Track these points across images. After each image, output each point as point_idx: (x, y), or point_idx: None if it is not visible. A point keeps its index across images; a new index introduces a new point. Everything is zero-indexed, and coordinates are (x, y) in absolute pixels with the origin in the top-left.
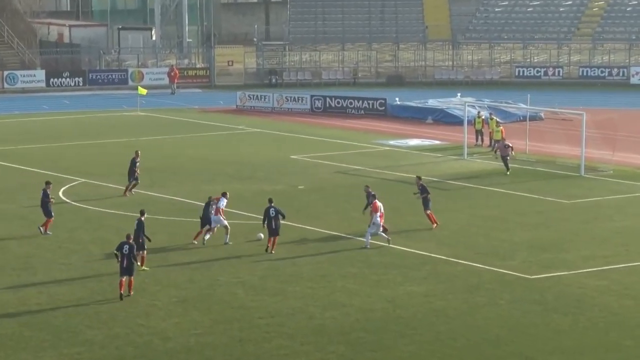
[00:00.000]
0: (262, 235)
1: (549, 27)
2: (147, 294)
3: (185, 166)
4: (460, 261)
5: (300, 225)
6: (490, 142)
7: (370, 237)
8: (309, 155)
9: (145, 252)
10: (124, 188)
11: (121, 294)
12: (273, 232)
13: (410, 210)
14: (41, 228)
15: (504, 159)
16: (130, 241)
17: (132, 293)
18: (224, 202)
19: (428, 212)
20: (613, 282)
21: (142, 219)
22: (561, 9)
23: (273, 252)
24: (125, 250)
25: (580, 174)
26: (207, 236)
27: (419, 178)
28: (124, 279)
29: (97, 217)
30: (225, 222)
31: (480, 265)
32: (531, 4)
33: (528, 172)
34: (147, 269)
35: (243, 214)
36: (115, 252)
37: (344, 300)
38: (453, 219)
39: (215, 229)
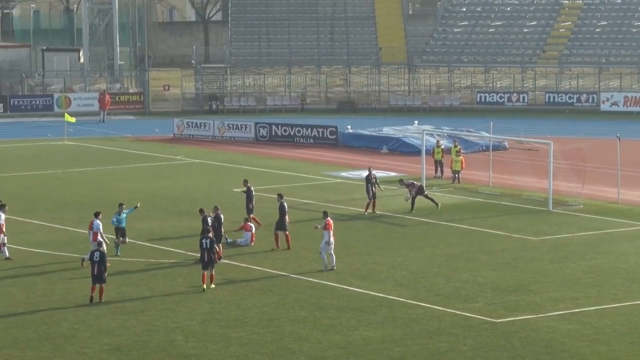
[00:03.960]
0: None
1: (512, 49)
2: (76, 341)
3: (117, 200)
4: (419, 304)
5: (244, 265)
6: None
7: (325, 256)
8: (254, 188)
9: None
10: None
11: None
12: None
13: (366, 248)
14: None
15: (425, 194)
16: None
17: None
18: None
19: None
20: (584, 326)
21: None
22: (525, 30)
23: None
24: (96, 257)
25: (548, 208)
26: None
27: (280, 196)
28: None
29: (21, 257)
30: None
31: (442, 308)
32: (493, 24)
33: (492, 206)
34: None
35: (179, 252)
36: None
37: (293, 347)
38: (412, 258)
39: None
